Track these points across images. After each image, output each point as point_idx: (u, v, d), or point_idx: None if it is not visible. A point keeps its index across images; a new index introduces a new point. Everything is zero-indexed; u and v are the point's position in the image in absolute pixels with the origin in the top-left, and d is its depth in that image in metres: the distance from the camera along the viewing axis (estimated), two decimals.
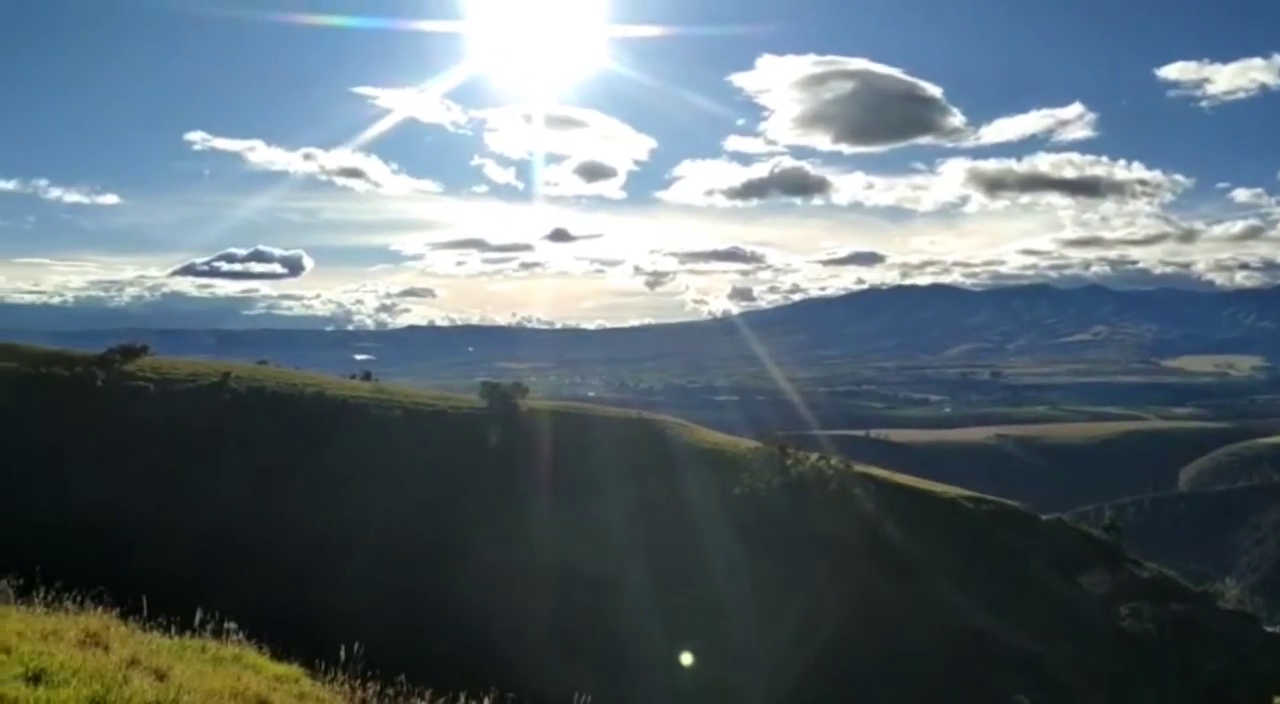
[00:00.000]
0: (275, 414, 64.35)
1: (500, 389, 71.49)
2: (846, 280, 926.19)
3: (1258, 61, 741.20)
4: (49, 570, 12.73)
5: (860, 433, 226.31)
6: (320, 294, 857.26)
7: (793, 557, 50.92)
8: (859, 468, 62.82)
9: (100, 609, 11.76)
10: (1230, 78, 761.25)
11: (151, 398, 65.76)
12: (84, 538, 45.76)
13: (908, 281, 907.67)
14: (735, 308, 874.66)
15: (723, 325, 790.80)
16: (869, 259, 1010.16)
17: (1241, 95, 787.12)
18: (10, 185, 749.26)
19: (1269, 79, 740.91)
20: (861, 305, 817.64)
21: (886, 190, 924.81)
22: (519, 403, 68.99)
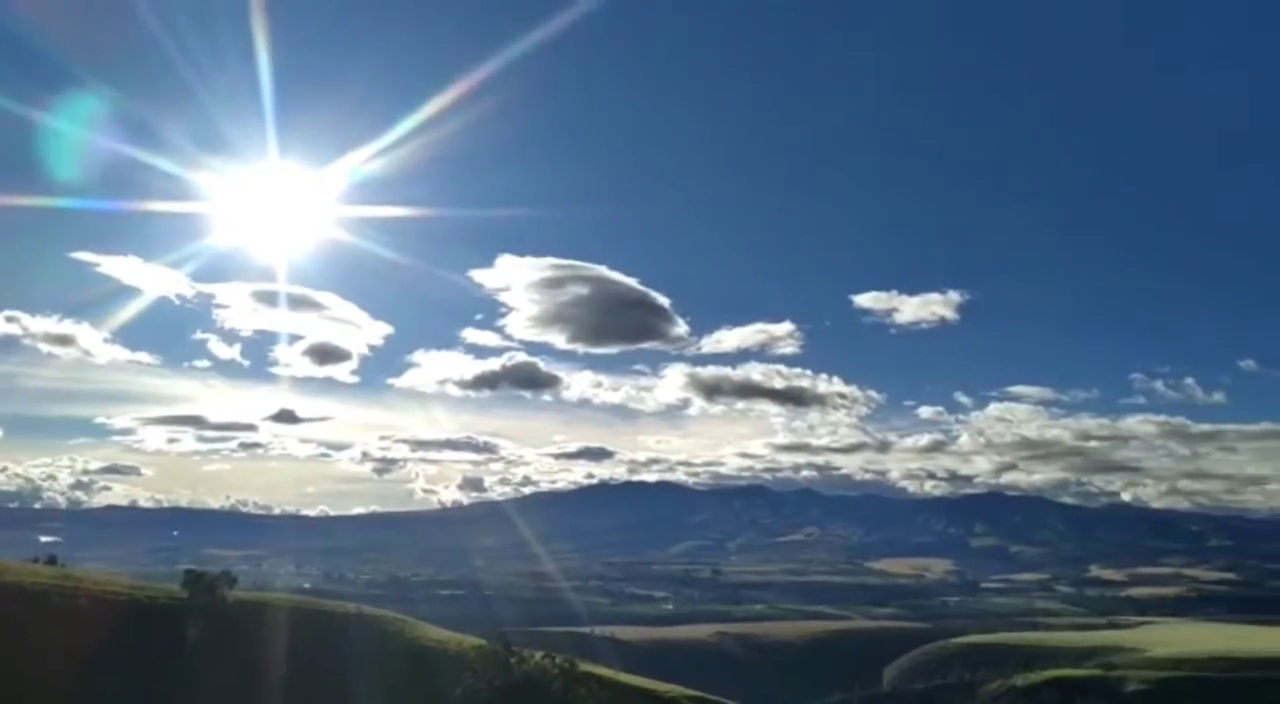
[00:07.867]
0: None
1: (205, 578, 66.20)
2: (577, 474, 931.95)
3: (936, 296, 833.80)
4: None
5: (586, 630, 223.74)
6: (7, 467, 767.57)
7: None
8: (585, 667, 62.03)
9: None
10: (915, 309, 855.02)
11: None
12: None
13: (636, 478, 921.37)
14: (466, 498, 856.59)
15: (453, 516, 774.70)
16: (599, 454, 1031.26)
17: (924, 325, 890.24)
18: None
19: (946, 313, 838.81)
20: (592, 500, 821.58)
21: (614, 390, 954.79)
22: (225, 594, 64.02)
